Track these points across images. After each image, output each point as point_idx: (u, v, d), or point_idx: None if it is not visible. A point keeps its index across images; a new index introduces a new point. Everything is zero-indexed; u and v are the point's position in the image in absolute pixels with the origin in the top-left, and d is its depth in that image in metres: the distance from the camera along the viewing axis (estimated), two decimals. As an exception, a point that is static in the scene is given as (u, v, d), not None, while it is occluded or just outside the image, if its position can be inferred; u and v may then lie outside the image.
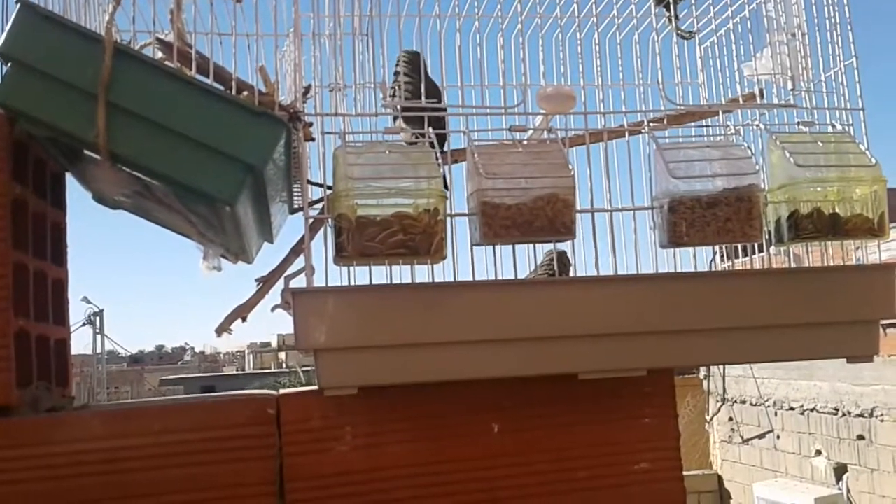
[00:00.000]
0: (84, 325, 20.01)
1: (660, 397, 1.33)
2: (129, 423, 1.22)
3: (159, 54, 1.31)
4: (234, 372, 30.39)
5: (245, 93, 1.21)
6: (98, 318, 20.33)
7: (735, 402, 10.37)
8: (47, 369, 1.32)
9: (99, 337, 20.36)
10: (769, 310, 1.25)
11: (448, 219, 1.21)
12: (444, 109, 1.30)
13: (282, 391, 1.35)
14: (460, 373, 1.20)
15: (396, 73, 1.40)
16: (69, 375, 1.41)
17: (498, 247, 1.23)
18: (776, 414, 9.55)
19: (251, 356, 31.66)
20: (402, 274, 1.26)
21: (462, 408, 1.27)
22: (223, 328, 1.36)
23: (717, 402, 10.55)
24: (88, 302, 19.94)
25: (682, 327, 1.23)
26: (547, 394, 1.29)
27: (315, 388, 1.22)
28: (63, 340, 1.40)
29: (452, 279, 1.21)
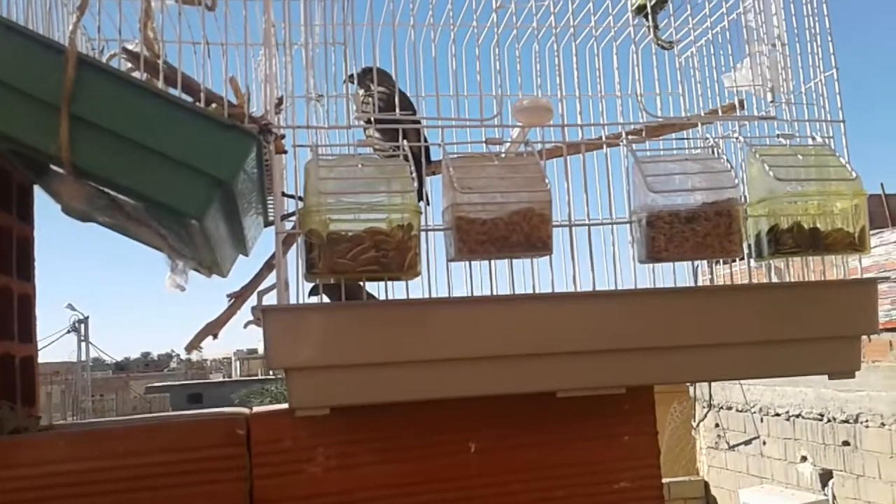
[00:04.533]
0: (68, 332, 19.86)
1: (639, 415, 1.31)
2: (95, 445, 1.18)
3: (127, 64, 1.28)
4: (221, 379, 30.21)
5: (214, 105, 1.18)
6: (83, 326, 20.18)
7: (721, 408, 10.37)
8: (12, 388, 1.29)
9: (84, 344, 20.20)
10: (749, 326, 1.23)
11: (424, 233, 1.19)
12: (419, 122, 1.28)
13: (254, 409, 1.32)
14: (435, 392, 1.17)
15: (367, 85, 1.37)
16: (36, 394, 1.37)
17: (474, 262, 1.21)
18: (762, 420, 9.56)
19: (238, 363, 31.51)
20: (379, 289, 1.25)
21: (437, 427, 1.24)
22: (193, 345, 1.32)
23: (704, 408, 10.55)
24: (73, 309, 19.81)
25: (661, 344, 1.21)
26: (524, 412, 1.27)
27: (287, 406, 1.19)
28: (30, 358, 1.37)
29: (427, 295, 1.18)
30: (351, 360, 1.14)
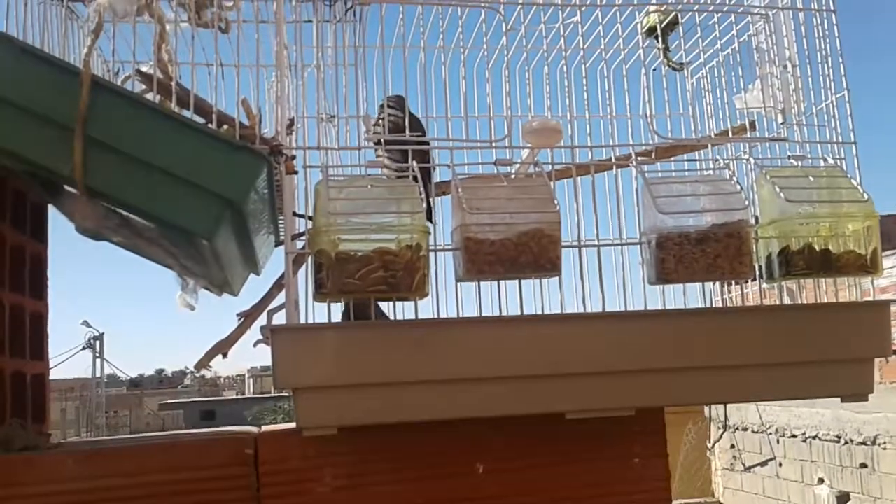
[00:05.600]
0: (84, 348, 19.97)
1: (650, 436, 1.30)
2: (104, 464, 1.18)
3: (141, 86, 1.29)
4: (234, 396, 30.24)
5: (225, 126, 1.19)
6: (98, 342, 20.28)
7: (737, 429, 10.25)
8: (23, 406, 1.29)
9: (98, 361, 20.29)
10: (761, 347, 1.22)
11: (433, 253, 1.19)
12: (428, 143, 1.29)
13: (263, 428, 1.32)
14: (444, 412, 1.17)
15: (381, 107, 1.38)
16: (46, 412, 1.38)
17: (483, 282, 1.21)
18: (778, 441, 9.44)
19: (251, 380, 31.54)
20: (388, 309, 1.25)
21: (445, 448, 1.24)
22: (203, 364, 1.33)
23: (719, 429, 10.44)
24: (89, 326, 19.93)
25: (671, 365, 1.20)
26: (533, 433, 1.26)
27: (294, 425, 1.19)
28: (41, 375, 1.37)
29: (436, 316, 1.18)
30: (359, 379, 1.14)
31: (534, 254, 1.16)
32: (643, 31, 1.46)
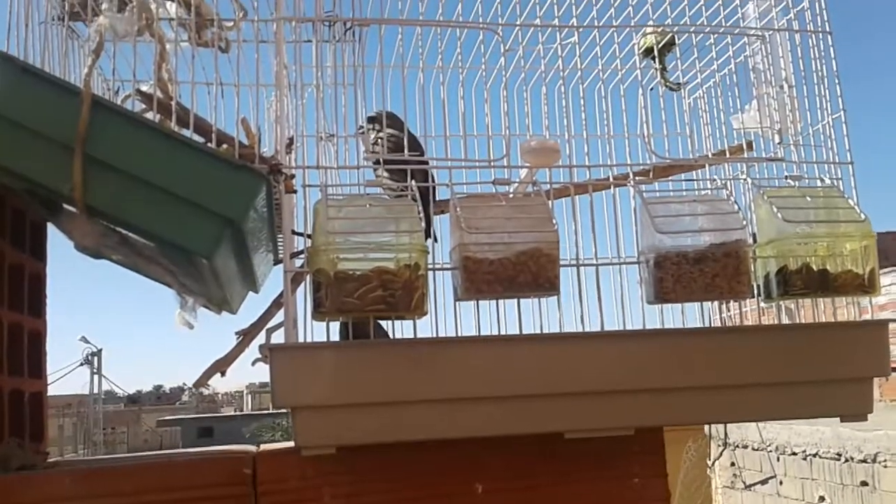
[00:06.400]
0: (81, 364, 19.91)
1: (649, 456, 1.30)
2: (101, 483, 1.18)
3: (141, 105, 1.30)
4: (233, 412, 30.11)
5: (225, 145, 1.20)
6: (96, 358, 20.22)
7: (737, 446, 10.23)
8: (21, 425, 1.29)
9: (96, 377, 20.23)
10: (758, 368, 1.22)
11: (432, 272, 1.19)
12: (427, 162, 1.29)
13: (261, 447, 1.32)
14: (442, 432, 1.16)
15: (377, 128, 1.38)
16: (44, 430, 1.38)
17: (482, 301, 1.21)
18: (779, 459, 9.41)
19: (249, 396, 31.43)
20: (388, 328, 1.25)
21: (444, 467, 1.23)
22: (202, 382, 1.33)
23: (719, 446, 10.40)
24: (86, 342, 19.87)
25: (670, 385, 1.20)
26: (532, 453, 1.25)
27: (293, 444, 1.18)
28: (39, 394, 1.37)
29: (435, 335, 1.18)
30: (358, 399, 1.14)
31: (532, 273, 1.16)
32: (640, 51, 1.47)
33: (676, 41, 1.45)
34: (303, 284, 1.22)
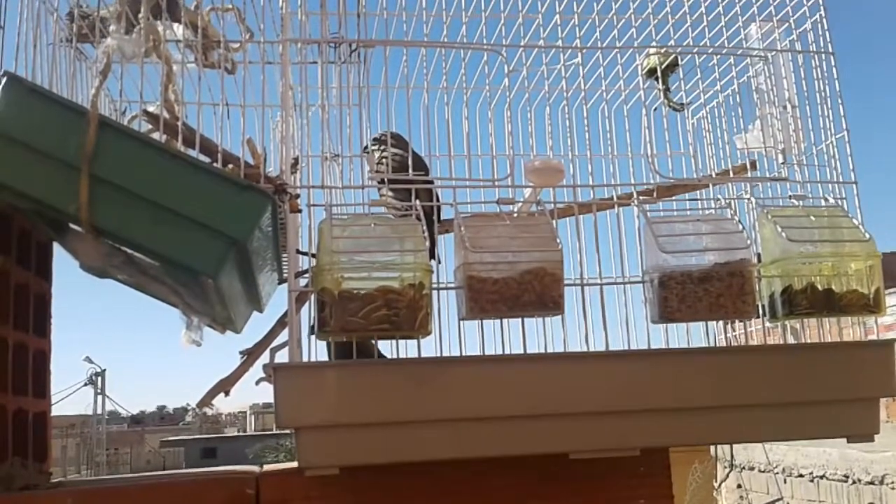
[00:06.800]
0: (85, 385, 19.88)
1: (655, 477, 1.29)
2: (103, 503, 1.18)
3: (148, 126, 1.31)
4: (236, 433, 30.00)
5: (231, 166, 1.20)
6: (100, 378, 20.19)
7: (744, 468, 10.16)
8: (24, 444, 1.29)
9: (100, 397, 20.19)
10: (765, 387, 1.21)
11: (436, 291, 1.19)
12: (432, 181, 1.30)
13: (265, 467, 1.31)
14: (447, 452, 1.16)
15: (382, 148, 1.39)
16: (48, 450, 1.37)
17: (486, 321, 1.21)
18: (785, 481, 9.34)
19: (253, 417, 31.32)
20: (391, 348, 1.24)
21: (449, 488, 1.23)
22: (205, 402, 1.33)
23: (726, 468, 10.33)
24: (91, 362, 19.85)
25: (675, 405, 1.19)
26: (537, 474, 1.25)
27: (296, 465, 1.18)
28: (43, 413, 1.37)
29: (439, 354, 1.18)
30: (361, 419, 1.13)
31: (536, 292, 1.16)
32: (644, 72, 1.48)
33: (679, 62, 1.46)
34: (307, 304, 1.22)
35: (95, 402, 20.31)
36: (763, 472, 9.72)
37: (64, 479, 1.43)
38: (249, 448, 19.55)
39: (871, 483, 7.91)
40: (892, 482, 7.67)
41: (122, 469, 21.85)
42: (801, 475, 9.04)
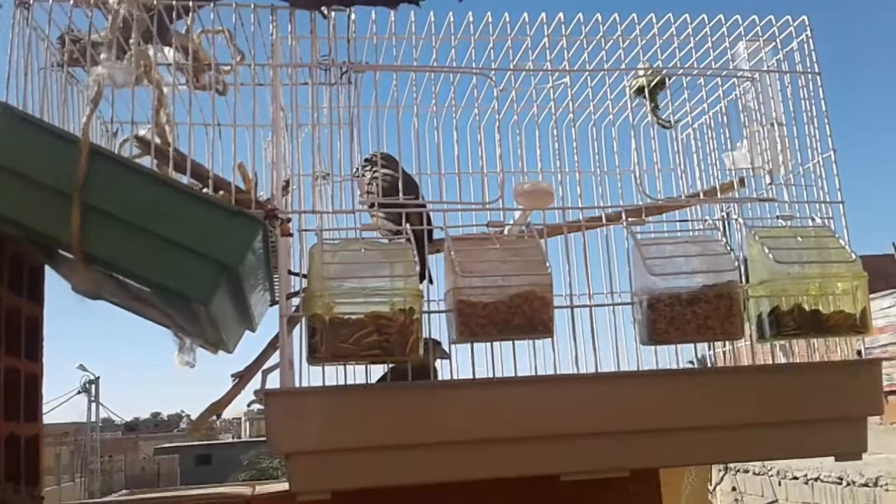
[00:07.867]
0: (79, 392, 19.80)
1: (645, 497, 1.30)
2: (96, 529, 1.18)
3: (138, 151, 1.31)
4: (231, 439, 29.90)
5: (222, 192, 1.21)
6: (93, 386, 20.11)
7: (738, 471, 10.18)
8: (16, 469, 1.29)
9: (94, 405, 20.10)
10: (753, 408, 1.22)
11: (427, 315, 1.20)
12: (423, 205, 1.30)
13: (257, 489, 1.32)
14: (438, 475, 1.17)
15: (373, 169, 1.40)
16: (40, 474, 1.37)
17: (477, 344, 1.22)
18: (780, 484, 9.37)
19: (248, 423, 31.22)
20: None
21: (440, 510, 1.23)
22: (197, 427, 1.33)
23: (720, 471, 10.35)
24: (84, 370, 19.77)
25: (665, 426, 1.20)
26: (528, 495, 1.26)
27: (287, 488, 1.18)
28: (35, 437, 1.37)
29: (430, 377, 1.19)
30: (352, 444, 1.14)
31: (526, 316, 1.17)
32: (632, 91, 1.48)
33: (667, 81, 1.47)
34: (299, 326, 1.23)
35: (89, 409, 20.23)
36: (758, 474, 9.74)
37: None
38: (244, 454, 19.48)
39: (866, 485, 7.93)
40: (886, 484, 7.70)
41: (117, 476, 21.76)
42: (795, 477, 9.06)
